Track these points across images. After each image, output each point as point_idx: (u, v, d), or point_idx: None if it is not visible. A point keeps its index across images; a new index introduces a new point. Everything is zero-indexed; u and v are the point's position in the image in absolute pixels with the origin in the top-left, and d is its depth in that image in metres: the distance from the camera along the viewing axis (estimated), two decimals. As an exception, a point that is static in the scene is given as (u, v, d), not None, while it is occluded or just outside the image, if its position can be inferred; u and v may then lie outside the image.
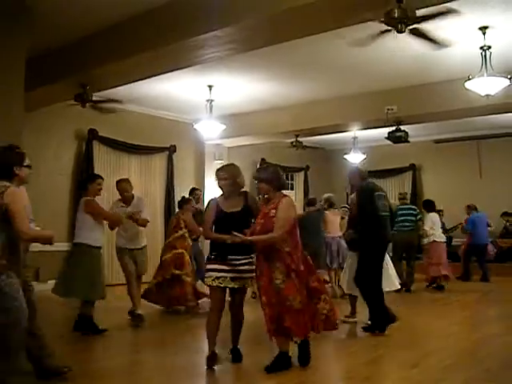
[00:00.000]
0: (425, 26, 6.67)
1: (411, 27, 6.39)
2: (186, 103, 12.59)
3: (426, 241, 11.94)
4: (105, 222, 7.17)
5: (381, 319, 6.92)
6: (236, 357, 5.54)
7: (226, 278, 5.26)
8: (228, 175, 5.57)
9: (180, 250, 8.61)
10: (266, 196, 5.50)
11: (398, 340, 6.72)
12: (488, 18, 7.80)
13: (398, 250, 10.99)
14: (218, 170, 5.68)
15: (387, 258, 7.77)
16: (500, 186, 15.28)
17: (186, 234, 8.82)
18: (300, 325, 5.08)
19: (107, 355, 6.13)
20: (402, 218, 11.19)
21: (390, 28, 6.33)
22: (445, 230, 13.16)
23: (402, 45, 7.55)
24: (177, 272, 8.45)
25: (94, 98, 9.56)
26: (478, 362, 5.61)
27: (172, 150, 13.96)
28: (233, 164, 5.89)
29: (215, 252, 5.37)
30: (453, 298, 10.56)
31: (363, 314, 7.38)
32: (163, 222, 13.23)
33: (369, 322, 7.06)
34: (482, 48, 8.49)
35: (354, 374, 5.26)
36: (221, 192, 5.59)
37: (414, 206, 12.02)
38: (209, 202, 5.69)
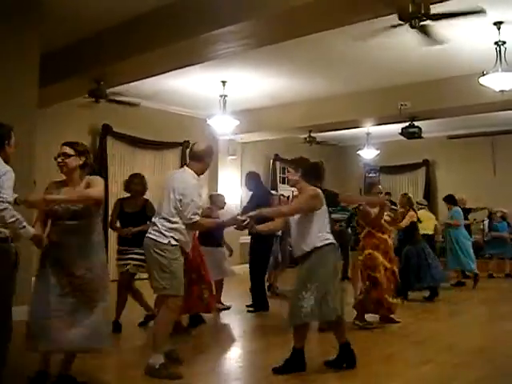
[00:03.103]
0: (439, 21, 6.64)
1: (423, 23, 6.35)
2: (199, 99, 12.60)
3: None
4: None
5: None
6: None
7: None
8: None
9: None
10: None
11: (409, 337, 6.72)
12: (503, 14, 7.75)
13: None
14: None
15: None
16: (514, 183, 15.17)
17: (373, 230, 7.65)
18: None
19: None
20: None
21: (401, 22, 6.32)
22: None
23: (416, 40, 7.50)
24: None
25: (109, 95, 9.63)
26: (490, 359, 5.61)
27: (185, 145, 13.93)
28: None
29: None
30: (465, 296, 10.53)
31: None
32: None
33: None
34: (496, 43, 8.42)
35: (365, 372, 5.26)
36: None
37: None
38: None
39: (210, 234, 7.80)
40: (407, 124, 11.89)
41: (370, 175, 18.00)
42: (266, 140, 15.41)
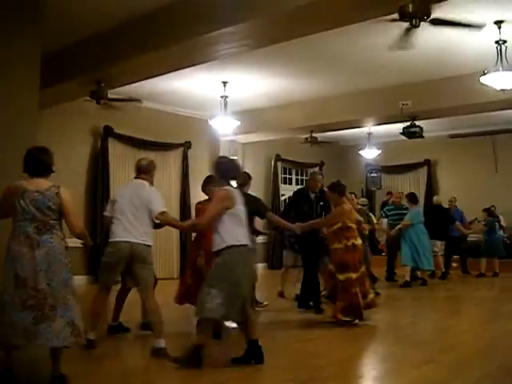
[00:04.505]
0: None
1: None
2: (200, 100, 12.61)
3: None
4: None
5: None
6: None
7: None
8: None
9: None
10: None
11: (411, 337, 6.71)
12: (503, 13, 7.74)
13: None
14: None
15: None
16: (516, 181, 15.15)
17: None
18: None
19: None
20: None
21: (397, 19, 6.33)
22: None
23: (417, 39, 7.51)
24: None
25: (109, 95, 9.63)
26: (492, 359, 5.60)
27: (187, 146, 13.99)
28: None
29: None
30: (465, 295, 10.55)
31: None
32: (178, 217, 13.21)
33: None
34: (497, 42, 8.42)
35: (367, 371, 5.27)
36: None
37: None
38: None
39: None
40: (408, 123, 11.89)
41: (372, 175, 18.00)
42: (267, 140, 15.41)
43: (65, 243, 4.61)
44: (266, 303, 8.78)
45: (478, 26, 6.50)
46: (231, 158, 5.87)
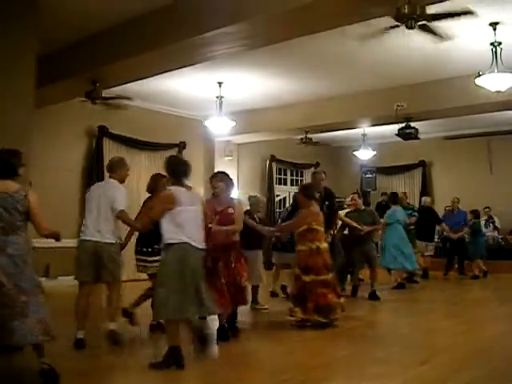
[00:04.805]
0: (434, 22, 6.66)
1: (420, 23, 6.36)
2: (196, 100, 12.60)
3: None
4: None
5: None
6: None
7: None
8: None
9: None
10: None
11: (406, 338, 6.71)
12: (498, 14, 7.77)
13: None
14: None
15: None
16: (511, 183, 15.18)
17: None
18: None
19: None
20: None
21: (398, 24, 6.33)
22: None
23: (412, 41, 7.54)
24: None
25: (104, 95, 9.61)
26: (487, 360, 5.59)
27: (182, 146, 13.97)
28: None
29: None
30: (460, 296, 10.55)
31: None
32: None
33: None
34: (492, 44, 8.45)
35: (363, 372, 5.27)
36: None
37: None
38: None
39: (247, 237, 7.39)
40: (403, 125, 11.90)
41: (367, 176, 18.01)
42: (262, 141, 15.40)
43: (30, 244, 4.67)
44: (266, 307, 8.71)
45: (471, 13, 6.53)
46: (181, 156, 5.94)
